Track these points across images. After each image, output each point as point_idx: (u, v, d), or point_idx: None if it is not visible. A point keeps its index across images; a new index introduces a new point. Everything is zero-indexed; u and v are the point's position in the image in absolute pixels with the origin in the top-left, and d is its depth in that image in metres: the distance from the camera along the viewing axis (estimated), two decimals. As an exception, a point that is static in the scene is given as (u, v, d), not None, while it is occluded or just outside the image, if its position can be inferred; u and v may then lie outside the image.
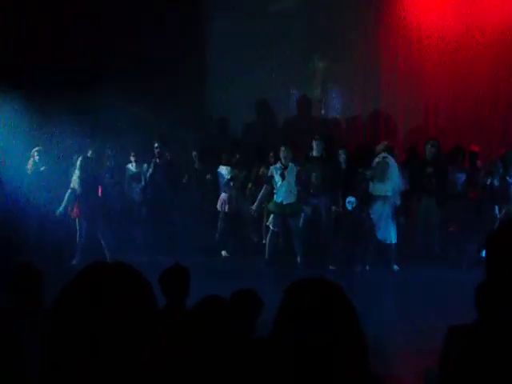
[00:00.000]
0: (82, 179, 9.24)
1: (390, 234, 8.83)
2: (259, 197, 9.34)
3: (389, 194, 8.80)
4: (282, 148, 9.14)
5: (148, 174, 9.73)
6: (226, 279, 7.62)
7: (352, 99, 11.72)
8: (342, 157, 9.72)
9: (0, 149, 9.38)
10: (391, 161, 8.91)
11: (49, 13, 10.01)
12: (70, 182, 9.49)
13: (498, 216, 8.80)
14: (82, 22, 10.37)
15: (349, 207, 8.87)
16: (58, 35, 9.98)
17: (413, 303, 7.48)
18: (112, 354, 1.30)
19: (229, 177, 9.91)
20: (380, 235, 8.85)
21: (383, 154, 8.93)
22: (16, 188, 9.34)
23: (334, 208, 9.21)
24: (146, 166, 9.84)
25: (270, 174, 9.21)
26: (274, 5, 11.42)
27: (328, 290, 1.56)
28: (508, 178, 9.00)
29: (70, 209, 9.34)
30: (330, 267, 8.85)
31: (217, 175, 10.21)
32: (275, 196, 9.18)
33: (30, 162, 9.66)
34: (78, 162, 9.31)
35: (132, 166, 10.28)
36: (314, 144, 9.40)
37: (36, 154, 9.64)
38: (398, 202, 8.90)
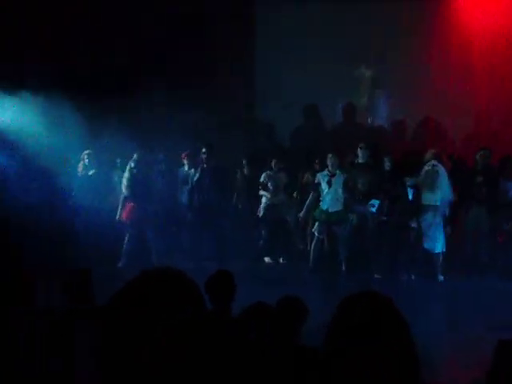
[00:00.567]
0: (132, 183, 9.35)
1: (437, 243, 8.68)
2: (306, 204, 9.32)
3: (438, 203, 8.66)
4: (330, 155, 9.12)
5: (195, 179, 9.78)
6: (270, 285, 7.64)
7: (399, 106, 11.60)
8: (387, 164, 9.61)
9: (50, 151, 9.56)
10: (441, 169, 8.75)
11: (94, 15, 10.08)
12: (116, 186, 9.69)
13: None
14: (133, 28, 10.49)
15: (372, 210, 8.78)
16: (106, 37, 10.06)
17: (460, 313, 7.32)
18: (161, 354, 1.33)
19: (266, 182, 9.84)
20: (427, 245, 8.71)
21: (433, 162, 8.77)
22: (66, 190, 9.55)
23: (378, 216, 9.10)
24: (193, 170, 9.89)
25: (316, 181, 9.18)
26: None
27: (379, 304, 1.57)
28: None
29: (120, 212, 9.51)
30: (375, 276, 8.77)
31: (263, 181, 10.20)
32: (321, 203, 9.14)
33: (81, 165, 9.85)
34: (128, 166, 9.44)
35: (183, 170, 10.20)
36: (360, 151, 9.34)
37: (86, 157, 9.81)
38: (448, 212, 8.75)
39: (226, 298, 4.00)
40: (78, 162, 9.87)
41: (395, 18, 11.05)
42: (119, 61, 10.29)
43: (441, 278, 8.74)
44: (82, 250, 8.46)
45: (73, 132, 9.50)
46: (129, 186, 9.41)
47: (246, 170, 10.52)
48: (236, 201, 10.48)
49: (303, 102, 11.71)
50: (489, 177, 9.08)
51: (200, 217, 9.73)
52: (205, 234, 9.55)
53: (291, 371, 2.25)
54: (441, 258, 8.75)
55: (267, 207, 9.84)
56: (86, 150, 9.80)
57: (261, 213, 9.91)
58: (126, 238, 9.48)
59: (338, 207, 9.06)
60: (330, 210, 9.04)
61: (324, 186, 9.05)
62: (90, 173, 9.80)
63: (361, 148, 9.33)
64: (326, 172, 9.11)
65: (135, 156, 9.63)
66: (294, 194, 9.99)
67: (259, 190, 9.93)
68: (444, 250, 8.71)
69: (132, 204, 9.46)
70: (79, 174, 9.79)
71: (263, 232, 9.99)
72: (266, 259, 9.90)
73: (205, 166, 9.69)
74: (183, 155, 10.06)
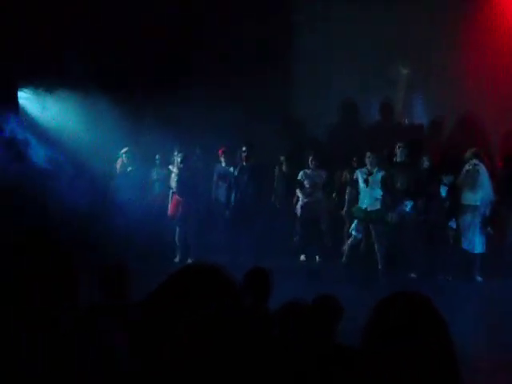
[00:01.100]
0: (179, 177, 9.47)
1: (476, 243, 8.55)
2: (347, 200, 9.28)
3: (478, 203, 8.51)
4: (368, 154, 9.04)
5: (233, 176, 9.77)
6: (305, 283, 7.63)
7: (437, 105, 11.45)
8: (426, 163, 9.49)
9: (90, 148, 9.70)
10: (482, 169, 8.59)
11: (131, 13, 10.17)
12: (154, 182, 9.81)
13: None
14: (171, 25, 10.55)
15: (406, 209, 8.67)
16: (144, 35, 10.14)
17: (497, 315, 7.19)
18: (182, 349, 1.34)
19: (303, 180, 9.79)
20: (466, 245, 8.58)
21: (474, 161, 8.61)
22: (105, 187, 9.70)
23: (417, 215, 8.98)
24: (232, 168, 9.89)
25: (355, 177, 9.12)
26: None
27: (417, 304, 1.56)
28: None
29: (169, 207, 9.67)
30: (412, 275, 8.68)
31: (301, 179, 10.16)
32: (359, 202, 9.09)
33: (119, 162, 9.98)
34: (176, 162, 9.53)
35: (220, 167, 10.20)
36: (399, 151, 9.25)
37: (124, 155, 9.95)
38: (488, 212, 8.60)
39: (262, 293, 4.02)
40: (117, 159, 10.02)
41: (432, 17, 10.92)
42: (158, 58, 10.37)
43: (479, 279, 8.62)
44: (121, 246, 8.58)
45: (111, 129, 9.63)
46: (176, 182, 9.53)
47: (284, 168, 10.52)
48: (274, 198, 10.50)
49: (340, 99, 11.66)
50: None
51: (237, 214, 9.75)
52: (242, 230, 9.56)
53: (319, 369, 2.25)
54: (479, 259, 8.61)
55: (303, 205, 9.81)
56: (124, 147, 9.94)
57: (298, 211, 9.89)
58: (177, 234, 9.64)
59: (377, 206, 8.98)
60: (368, 209, 8.98)
61: (362, 184, 9.00)
62: (129, 169, 9.93)
63: (399, 147, 9.25)
64: (364, 169, 9.05)
65: (181, 153, 9.67)
66: (333, 195, 9.93)
67: (296, 188, 9.92)
68: (483, 250, 8.57)
69: (179, 199, 9.60)
70: (118, 172, 9.93)
71: (298, 230, 9.99)
72: (302, 257, 9.90)
73: (244, 163, 9.71)
74: (220, 152, 10.09)
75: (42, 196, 8.67)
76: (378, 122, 11.87)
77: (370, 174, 8.98)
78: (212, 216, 10.16)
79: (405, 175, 9.07)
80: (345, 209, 9.39)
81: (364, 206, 9.01)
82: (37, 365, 1.69)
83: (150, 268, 7.60)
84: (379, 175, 8.98)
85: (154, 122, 9.54)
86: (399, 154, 9.24)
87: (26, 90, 9.69)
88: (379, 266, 9.00)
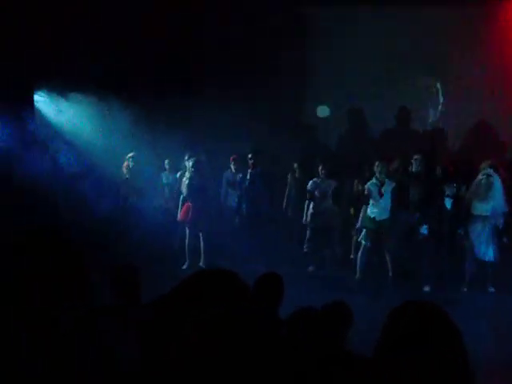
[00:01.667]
0: (190, 182, 9.46)
1: (487, 254, 8.46)
2: (361, 217, 9.19)
3: (488, 214, 8.45)
4: (377, 163, 8.97)
5: (243, 184, 9.77)
6: (315, 292, 7.60)
7: (452, 114, 11.43)
8: (440, 173, 9.44)
9: (103, 151, 9.74)
10: (495, 179, 8.50)
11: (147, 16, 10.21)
12: (164, 187, 9.83)
13: None
14: (183, 29, 10.58)
15: (424, 232, 8.62)
16: (157, 39, 10.18)
17: (510, 326, 7.12)
18: (189, 349, 1.34)
19: (313, 190, 9.71)
20: (478, 254, 8.50)
21: (487, 172, 8.54)
22: (114, 191, 9.72)
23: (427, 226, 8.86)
24: (240, 175, 9.89)
25: (366, 192, 9.02)
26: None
27: (431, 313, 1.55)
28: None
29: (179, 212, 9.66)
30: (425, 289, 8.61)
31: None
32: (369, 211, 9.03)
33: (125, 165, 9.97)
34: (188, 166, 9.51)
35: (230, 173, 10.18)
36: (414, 160, 9.15)
37: (131, 159, 9.95)
38: (501, 223, 8.51)
39: (274, 299, 4.00)
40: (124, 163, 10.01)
41: (445, 29, 10.92)
42: (172, 61, 10.41)
43: (491, 289, 8.55)
44: (133, 249, 8.61)
45: (124, 133, 9.67)
46: (187, 187, 9.52)
47: (297, 175, 10.50)
48: (285, 205, 10.47)
49: (352, 108, 11.67)
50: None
51: (248, 221, 9.74)
52: (252, 238, 9.53)
53: (328, 374, 2.23)
54: (492, 270, 8.54)
55: (313, 214, 9.75)
56: (135, 151, 9.95)
57: (308, 219, 9.85)
58: (187, 239, 9.63)
59: (386, 215, 8.93)
60: (377, 219, 8.93)
61: (376, 196, 8.91)
62: (135, 174, 9.91)
63: (416, 160, 9.13)
64: (375, 181, 8.97)
65: (193, 157, 9.65)
66: (351, 210, 9.78)
67: (306, 196, 9.88)
68: (494, 260, 8.48)
69: (189, 204, 9.59)
70: (124, 176, 9.91)
71: (308, 238, 9.93)
72: (310, 268, 9.79)
73: (249, 170, 9.69)
74: (231, 158, 10.09)
75: (65, 197, 8.72)
76: (391, 131, 11.85)
77: (382, 184, 8.92)
78: (222, 222, 10.15)
79: (419, 186, 8.98)
80: (357, 225, 9.31)
81: (373, 216, 8.96)
82: (38, 365, 1.68)
83: (158, 272, 7.60)
84: (390, 187, 8.91)
85: (166, 127, 9.55)
86: (414, 164, 9.14)
87: (40, 93, 9.76)
88: (389, 273, 8.93)
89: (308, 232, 9.91)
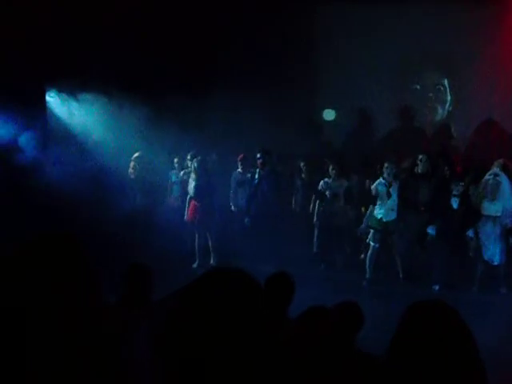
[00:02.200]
0: (197, 183, 9.45)
1: (496, 255, 8.43)
2: (366, 217, 9.19)
3: (499, 214, 8.41)
4: (386, 164, 8.95)
5: (252, 183, 9.77)
6: (324, 292, 7.58)
7: (462, 115, 11.40)
8: (447, 173, 9.41)
9: (112, 151, 9.77)
10: (504, 179, 8.47)
11: (159, 16, 10.21)
12: (173, 186, 9.84)
13: None
14: (195, 28, 10.59)
15: (431, 233, 8.58)
16: (167, 39, 10.20)
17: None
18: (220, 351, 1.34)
19: (324, 190, 9.69)
20: (487, 256, 8.47)
21: (494, 171, 8.52)
22: (120, 191, 9.75)
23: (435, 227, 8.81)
24: (249, 175, 9.89)
25: (374, 193, 9.01)
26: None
27: (444, 314, 1.54)
28: None
29: (186, 212, 9.67)
30: (434, 287, 8.58)
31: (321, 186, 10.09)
32: (376, 212, 9.01)
33: (131, 166, 9.99)
34: (193, 166, 9.53)
35: (238, 173, 10.19)
36: (420, 161, 9.11)
37: (136, 159, 9.97)
38: (510, 223, 8.47)
39: (284, 298, 4.01)
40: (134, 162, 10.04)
41: (458, 32, 10.90)
42: (182, 62, 10.44)
43: (503, 290, 8.51)
44: (143, 248, 8.63)
45: (134, 133, 9.70)
46: (194, 187, 9.52)
47: (303, 174, 10.49)
48: (294, 205, 10.47)
49: (362, 108, 11.66)
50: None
51: (255, 221, 9.74)
52: (261, 238, 9.53)
53: (339, 374, 2.23)
54: (503, 270, 8.50)
55: (324, 215, 9.74)
56: (142, 151, 9.97)
57: (318, 220, 9.83)
58: (196, 238, 9.64)
59: (393, 216, 8.91)
60: (384, 220, 8.90)
61: (383, 196, 8.89)
62: (142, 174, 9.92)
63: (421, 160, 9.09)
64: (383, 181, 8.93)
65: (198, 157, 9.65)
66: (362, 210, 9.72)
67: (317, 197, 9.85)
68: (502, 261, 8.44)
69: (196, 204, 9.58)
70: (130, 176, 9.94)
71: (318, 238, 9.93)
72: (322, 266, 9.82)
73: (258, 170, 9.69)
74: (239, 158, 10.09)
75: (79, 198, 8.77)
76: (399, 130, 11.83)
77: (390, 185, 8.89)
78: (230, 222, 10.16)
79: (425, 187, 8.95)
80: (363, 225, 9.29)
81: (379, 217, 8.93)
82: (49, 364, 1.69)
83: (168, 270, 7.62)
84: (396, 186, 8.89)
85: (176, 126, 9.57)
86: (420, 165, 9.10)
87: (51, 94, 9.81)
88: (400, 275, 8.95)
89: (316, 231, 9.88)
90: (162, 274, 6.21)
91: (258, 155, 9.63)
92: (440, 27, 11.02)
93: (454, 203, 8.54)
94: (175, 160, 10.25)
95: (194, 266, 9.61)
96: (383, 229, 8.92)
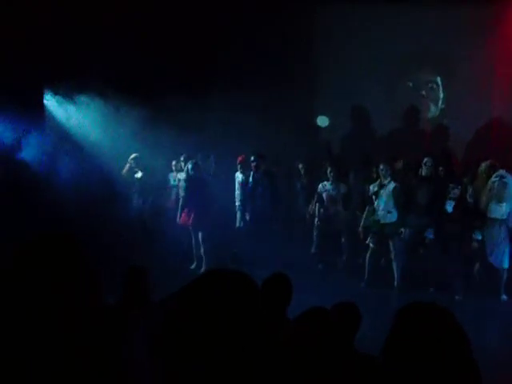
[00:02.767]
0: (188, 186, 9.42)
1: (503, 258, 8.29)
2: (363, 217, 9.18)
3: (505, 217, 8.28)
4: (381, 166, 8.92)
5: (246, 187, 9.76)
6: (321, 294, 7.58)
7: (462, 115, 11.40)
8: (443, 175, 9.37)
9: (110, 154, 9.77)
10: (510, 181, 8.35)
11: (159, 17, 10.21)
12: (172, 188, 9.82)
13: None
14: (193, 31, 10.60)
15: (429, 236, 8.56)
16: (165, 41, 10.19)
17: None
18: (218, 351, 1.34)
19: (322, 193, 9.69)
20: (492, 259, 8.33)
21: (501, 173, 8.40)
22: (120, 192, 9.75)
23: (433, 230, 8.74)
24: (244, 177, 9.88)
25: (370, 194, 9.00)
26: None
27: (439, 316, 1.55)
28: None
29: (180, 215, 9.62)
30: (431, 290, 8.56)
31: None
32: (374, 214, 8.99)
33: (126, 167, 9.96)
34: (186, 168, 9.51)
35: (239, 174, 10.17)
36: (425, 164, 9.02)
37: (132, 161, 9.95)
38: None
39: (282, 299, 4.01)
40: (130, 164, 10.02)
41: (458, 30, 10.92)
42: (181, 63, 10.44)
43: (504, 297, 8.37)
44: (141, 250, 8.63)
45: (131, 135, 9.71)
46: (185, 189, 9.50)
47: (302, 177, 10.50)
48: (294, 207, 10.49)
49: (360, 109, 11.67)
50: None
51: (250, 223, 9.74)
52: (257, 240, 9.49)
53: (337, 374, 2.24)
54: (505, 276, 8.35)
55: (322, 218, 9.74)
56: (141, 153, 9.96)
57: (315, 222, 9.83)
58: (193, 240, 9.62)
59: (391, 219, 8.84)
60: (381, 222, 8.87)
61: (380, 198, 8.85)
62: (137, 175, 9.91)
63: (425, 164, 9.00)
64: (378, 182, 8.93)
65: (192, 159, 9.64)
66: (357, 212, 9.71)
67: (315, 200, 9.84)
68: (507, 266, 8.29)
69: (189, 206, 9.54)
70: (124, 178, 9.91)
71: (317, 239, 9.93)
72: (319, 266, 9.82)
73: (252, 172, 9.70)
74: (238, 160, 10.08)
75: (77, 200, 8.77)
76: (395, 130, 11.85)
77: (382, 186, 8.86)
78: (229, 223, 10.15)
79: (427, 189, 8.87)
80: (361, 225, 9.28)
81: (377, 218, 8.91)
82: (49, 364, 1.70)
83: (166, 271, 7.63)
84: (391, 187, 8.81)
85: (175, 127, 9.57)
86: (425, 169, 8.99)
87: (48, 96, 9.80)
88: (395, 283, 8.85)
89: (315, 232, 9.87)
90: (161, 275, 6.24)
91: (252, 158, 9.65)
92: (440, 27, 11.03)
93: (449, 206, 8.40)
94: (173, 162, 10.22)
95: (192, 267, 9.60)
96: (379, 230, 8.88)
